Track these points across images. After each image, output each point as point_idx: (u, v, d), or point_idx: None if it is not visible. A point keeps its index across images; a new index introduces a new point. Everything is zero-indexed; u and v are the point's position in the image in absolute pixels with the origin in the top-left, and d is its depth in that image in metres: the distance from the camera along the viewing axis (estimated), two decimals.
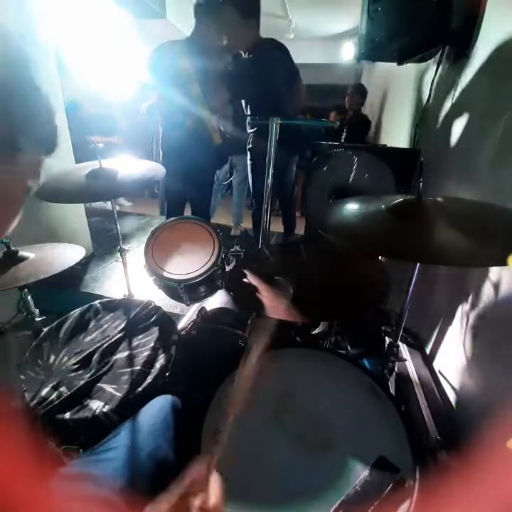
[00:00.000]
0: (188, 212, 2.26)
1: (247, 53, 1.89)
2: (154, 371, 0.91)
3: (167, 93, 1.88)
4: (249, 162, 2.25)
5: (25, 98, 0.31)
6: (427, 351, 1.27)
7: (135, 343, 1.02)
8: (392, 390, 1.08)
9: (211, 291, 1.34)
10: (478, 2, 1.11)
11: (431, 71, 1.35)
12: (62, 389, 0.86)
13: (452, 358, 1.11)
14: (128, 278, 1.43)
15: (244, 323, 1.21)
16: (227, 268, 1.39)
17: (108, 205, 1.32)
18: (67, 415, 0.79)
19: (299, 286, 0.89)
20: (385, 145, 2.24)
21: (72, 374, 0.91)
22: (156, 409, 0.74)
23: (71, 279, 2.23)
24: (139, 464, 0.61)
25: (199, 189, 2.13)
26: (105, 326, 1.09)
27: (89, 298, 1.26)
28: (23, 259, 1.01)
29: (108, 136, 3.84)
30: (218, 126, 1.95)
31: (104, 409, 0.80)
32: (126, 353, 0.98)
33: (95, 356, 0.96)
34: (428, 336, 1.31)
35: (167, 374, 0.91)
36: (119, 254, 1.40)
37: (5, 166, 0.31)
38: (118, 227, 1.38)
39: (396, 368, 1.11)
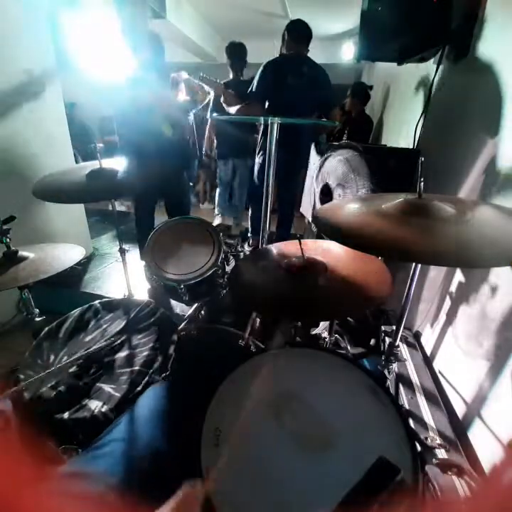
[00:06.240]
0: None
1: None
2: (154, 371, 0.91)
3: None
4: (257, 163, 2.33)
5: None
6: (427, 351, 1.27)
7: (135, 342, 1.02)
8: (392, 390, 1.07)
9: (211, 291, 1.34)
10: (478, 2, 1.11)
11: (431, 71, 1.35)
12: (61, 388, 0.86)
13: (452, 358, 1.11)
14: (128, 278, 1.43)
15: (244, 323, 1.21)
16: (227, 268, 1.40)
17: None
18: (66, 415, 0.79)
19: (299, 286, 0.89)
20: (385, 145, 2.24)
21: (72, 374, 0.91)
22: (150, 400, 0.74)
23: (71, 279, 2.23)
24: (134, 456, 0.61)
25: (171, 190, 2.15)
26: (105, 325, 1.09)
27: (89, 298, 1.26)
28: (23, 259, 1.01)
29: (110, 135, 3.83)
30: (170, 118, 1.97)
31: (103, 409, 0.80)
32: (125, 353, 0.98)
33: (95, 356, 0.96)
34: (428, 335, 1.30)
35: (167, 374, 0.91)
36: (119, 254, 1.41)
37: None
38: (118, 227, 1.38)
39: (396, 368, 1.11)
